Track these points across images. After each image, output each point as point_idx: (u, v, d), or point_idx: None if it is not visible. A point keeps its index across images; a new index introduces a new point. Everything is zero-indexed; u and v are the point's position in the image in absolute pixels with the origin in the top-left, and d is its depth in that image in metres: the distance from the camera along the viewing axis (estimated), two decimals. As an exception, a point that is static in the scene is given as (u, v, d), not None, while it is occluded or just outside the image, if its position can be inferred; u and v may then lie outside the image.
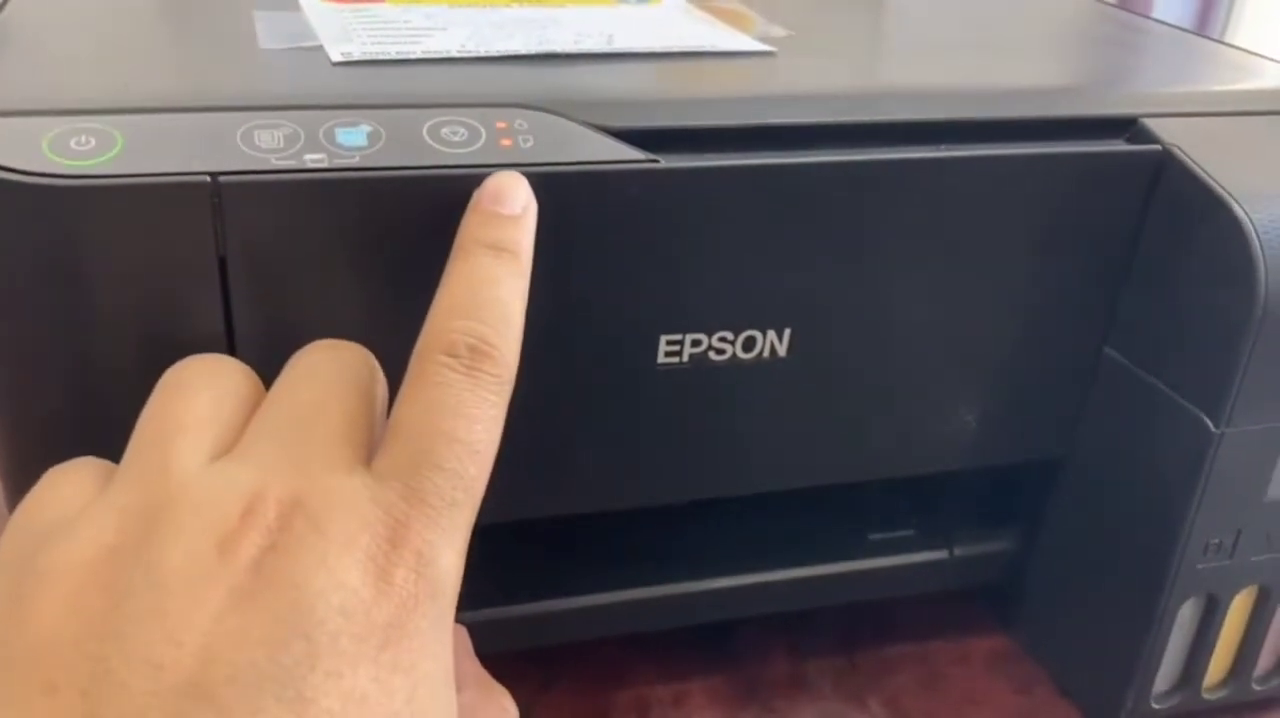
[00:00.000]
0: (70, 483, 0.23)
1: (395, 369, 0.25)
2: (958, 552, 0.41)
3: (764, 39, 0.38)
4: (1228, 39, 1.86)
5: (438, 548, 0.21)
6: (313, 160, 0.27)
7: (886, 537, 0.41)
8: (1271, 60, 0.42)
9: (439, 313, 0.24)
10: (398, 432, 0.23)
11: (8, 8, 0.35)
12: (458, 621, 0.25)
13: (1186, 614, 0.37)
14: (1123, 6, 0.53)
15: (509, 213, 0.27)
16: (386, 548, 0.21)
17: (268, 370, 0.25)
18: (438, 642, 0.21)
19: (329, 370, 0.24)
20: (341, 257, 0.28)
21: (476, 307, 0.24)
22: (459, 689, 0.24)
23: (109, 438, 0.24)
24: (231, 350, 0.28)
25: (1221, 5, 1.91)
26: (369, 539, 0.21)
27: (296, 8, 0.38)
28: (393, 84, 0.31)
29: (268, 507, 0.21)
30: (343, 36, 0.34)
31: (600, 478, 0.34)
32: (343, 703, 0.19)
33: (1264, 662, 0.39)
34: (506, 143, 0.29)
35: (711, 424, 0.34)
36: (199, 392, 0.24)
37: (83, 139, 0.26)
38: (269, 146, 0.27)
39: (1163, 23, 0.47)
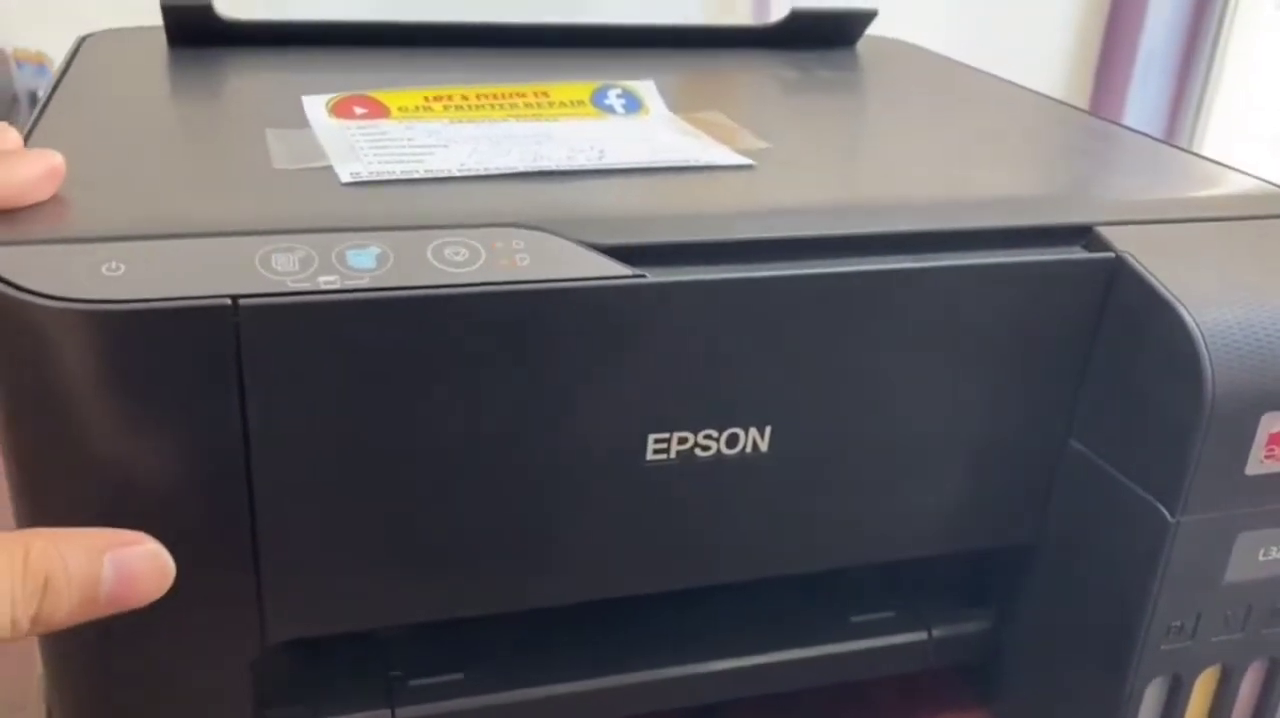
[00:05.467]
0: None
1: (407, 480, 0.26)
2: (936, 633, 0.43)
3: (744, 151, 0.41)
4: (1199, 134, 1.91)
5: None
6: (326, 282, 0.29)
7: (867, 619, 0.43)
8: (1227, 167, 0.44)
9: None
10: None
11: (34, 135, 0.37)
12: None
13: (1153, 694, 0.38)
14: (1095, 109, 0.56)
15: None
16: None
17: (285, 483, 0.27)
18: None
19: None
20: (354, 373, 0.30)
21: None
22: None
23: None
24: (247, 466, 0.30)
25: (1190, 108, 1.97)
26: None
27: (306, 124, 0.40)
28: (399, 205, 0.34)
29: None
30: (350, 156, 0.37)
31: (592, 569, 0.36)
32: None
33: (1230, 739, 0.41)
34: (505, 262, 0.31)
35: (697, 516, 0.36)
36: None
37: (113, 265, 0.28)
38: (285, 269, 0.29)
39: (1129, 129, 0.49)
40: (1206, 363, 0.34)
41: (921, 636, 0.43)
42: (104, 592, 0.27)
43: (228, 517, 0.31)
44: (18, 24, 1.39)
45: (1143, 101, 2.00)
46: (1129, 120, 1.81)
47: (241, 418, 0.29)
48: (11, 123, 0.34)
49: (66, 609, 0.27)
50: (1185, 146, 0.47)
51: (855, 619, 0.42)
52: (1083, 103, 2.00)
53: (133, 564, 0.28)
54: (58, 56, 1.42)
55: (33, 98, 1.32)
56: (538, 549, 0.35)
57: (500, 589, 0.35)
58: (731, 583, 0.38)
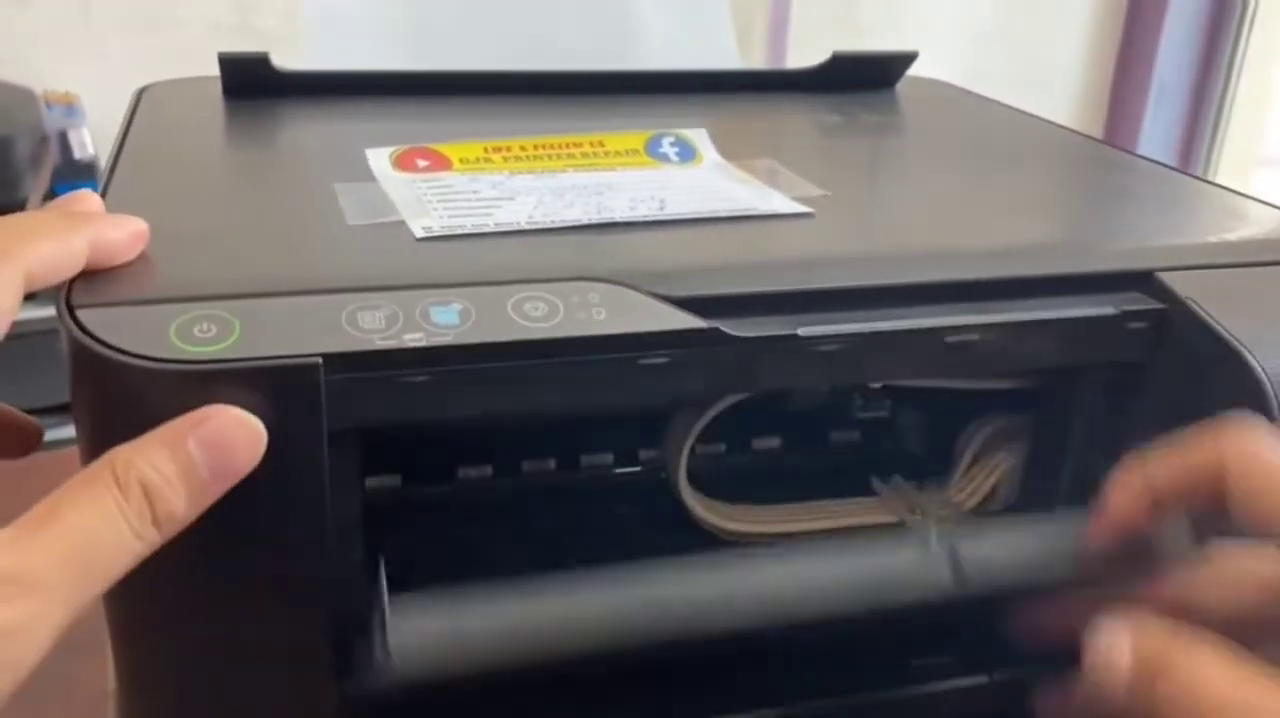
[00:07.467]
0: None
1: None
2: (997, 676, 0.43)
3: (801, 199, 0.41)
4: (1213, 165, 1.91)
5: None
6: (412, 339, 0.30)
7: (928, 662, 0.43)
8: (1266, 204, 0.45)
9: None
10: None
11: (110, 193, 0.38)
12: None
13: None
14: (1109, 139, 0.56)
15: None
16: None
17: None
18: None
19: None
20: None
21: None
22: None
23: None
24: (328, 519, 0.30)
25: (1203, 139, 1.98)
26: None
27: (372, 177, 0.41)
28: (474, 260, 0.34)
29: None
30: (420, 210, 0.37)
31: (665, 616, 0.36)
32: None
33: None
34: (582, 315, 0.32)
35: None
36: None
37: (205, 326, 0.29)
38: (371, 327, 0.30)
39: (1173, 169, 0.50)
40: (1276, 409, 0.34)
41: (982, 679, 0.43)
42: (205, 472, 0.27)
43: (309, 569, 0.31)
44: (47, 65, 1.41)
45: (1156, 132, 2.01)
46: (1142, 151, 1.81)
47: (328, 473, 0.30)
48: (44, 163, 0.35)
49: (180, 504, 0.27)
50: (1216, 181, 0.47)
51: (915, 663, 0.43)
52: (1096, 133, 2.01)
53: (220, 436, 0.28)
54: (87, 97, 1.44)
55: (63, 138, 1.33)
56: (610, 593, 0.35)
57: (577, 638, 0.35)
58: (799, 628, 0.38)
